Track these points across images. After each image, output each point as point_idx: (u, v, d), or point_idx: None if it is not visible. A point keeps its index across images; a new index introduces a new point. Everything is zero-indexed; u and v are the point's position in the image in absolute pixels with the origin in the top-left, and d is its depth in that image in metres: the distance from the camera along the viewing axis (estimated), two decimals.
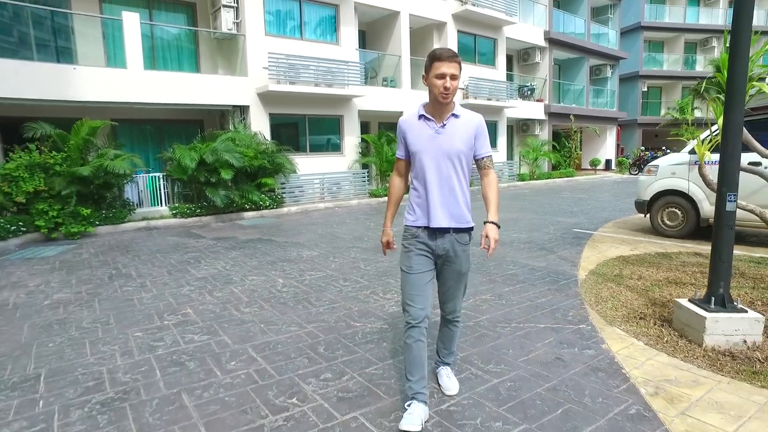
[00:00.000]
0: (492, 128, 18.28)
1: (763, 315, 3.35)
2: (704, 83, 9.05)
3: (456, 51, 2.20)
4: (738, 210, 3.48)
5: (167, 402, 2.68)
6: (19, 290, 5.14)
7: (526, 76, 20.91)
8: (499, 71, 18.00)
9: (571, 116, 20.36)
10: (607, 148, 25.15)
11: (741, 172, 3.43)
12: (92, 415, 2.56)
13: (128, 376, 3.03)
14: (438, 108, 2.33)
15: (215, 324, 3.93)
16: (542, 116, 20.15)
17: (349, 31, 13.33)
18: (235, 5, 11.40)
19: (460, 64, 2.29)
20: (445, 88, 2.23)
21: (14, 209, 8.08)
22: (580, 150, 23.08)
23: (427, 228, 2.38)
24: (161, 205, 10.50)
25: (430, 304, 2.44)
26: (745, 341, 3.24)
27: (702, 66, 29.75)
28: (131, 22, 9.82)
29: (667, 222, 7.15)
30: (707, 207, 6.50)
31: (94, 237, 8.57)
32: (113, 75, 9.79)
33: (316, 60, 11.97)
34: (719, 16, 30.24)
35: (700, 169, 4.20)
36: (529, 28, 19.37)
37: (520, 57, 20.84)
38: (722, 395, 2.61)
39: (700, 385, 2.73)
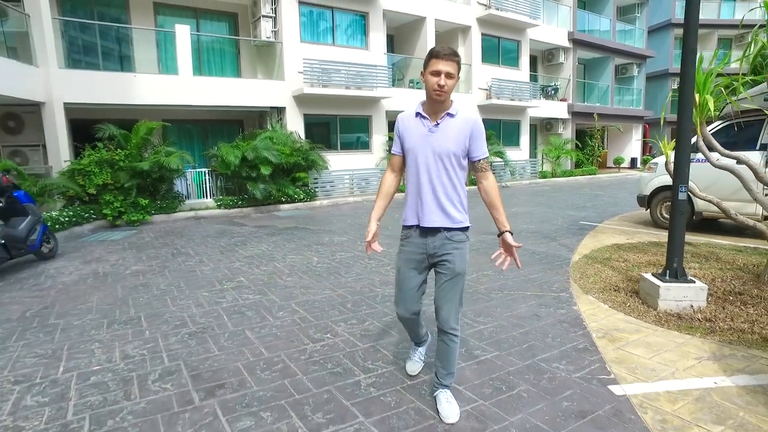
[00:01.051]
0: (515, 127, 18.89)
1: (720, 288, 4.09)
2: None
3: (455, 51, 2.25)
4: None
5: (235, 335, 3.65)
6: (103, 263, 6.27)
7: (551, 76, 21.37)
8: (522, 72, 18.58)
9: (595, 115, 20.69)
10: (632, 146, 25.28)
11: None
12: (184, 340, 3.56)
13: (203, 319, 4.02)
14: (433, 106, 2.31)
15: (264, 288, 4.91)
16: (566, 115, 20.58)
17: (378, 37, 14.24)
18: (274, 15, 12.47)
19: (458, 64, 2.25)
20: (439, 86, 2.20)
21: (86, 199, 9.33)
22: (604, 148, 23.35)
23: (418, 227, 2.39)
24: (207, 198, 11.68)
25: (418, 303, 2.54)
26: (692, 306, 3.98)
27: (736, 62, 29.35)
28: (183, 33, 11.00)
29: (665, 215, 7.78)
30: (700, 202, 7.10)
31: (151, 224, 9.77)
32: (167, 81, 11.00)
33: (347, 64, 12.93)
34: (756, 12, 29.72)
35: (666, 165, 4.92)
36: (553, 30, 19.83)
37: (545, 57, 21.30)
38: (653, 338, 3.40)
39: (639, 332, 3.52)
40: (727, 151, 4.86)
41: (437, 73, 2.20)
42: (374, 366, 3.05)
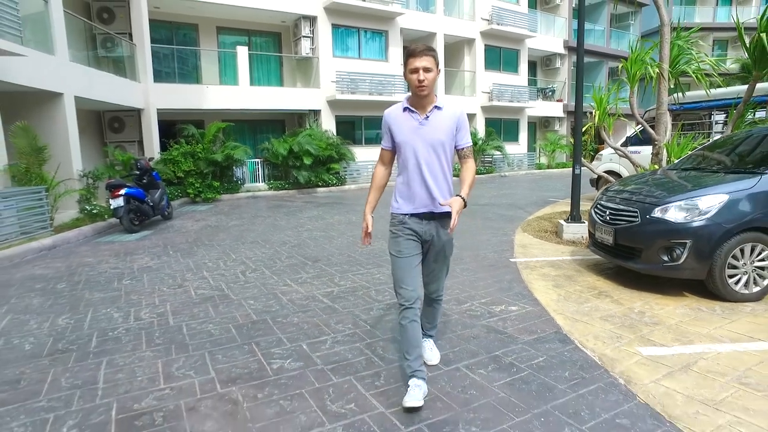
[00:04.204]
0: (514, 125, 21.58)
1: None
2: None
3: (429, 47, 2.42)
4: None
5: (317, 245, 6.56)
6: (209, 221, 9.28)
7: (549, 79, 23.94)
8: (521, 77, 21.24)
9: (588, 114, 23.18)
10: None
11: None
12: (290, 248, 6.50)
13: (296, 240, 6.96)
14: (419, 100, 2.43)
15: (326, 232, 7.82)
16: (561, 114, 23.15)
17: (396, 51, 17.07)
18: (311, 36, 15.40)
19: (434, 57, 2.37)
20: (419, 81, 2.32)
21: (175, 181, 12.39)
22: (599, 143, 25.78)
23: (413, 215, 2.50)
24: (259, 182, 14.71)
25: (420, 285, 2.59)
26: (582, 237, 6.77)
27: (731, 62, 31.36)
28: (242, 53, 14.02)
29: None
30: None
31: (221, 202, 12.79)
32: (230, 90, 14.05)
33: (370, 75, 15.81)
34: (751, 14, 31.68)
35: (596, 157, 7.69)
36: (549, 39, 22.40)
37: (543, 63, 23.88)
38: (546, 246, 6.24)
39: (541, 246, 6.36)
40: (617, 146, 7.64)
41: (415, 70, 2.33)
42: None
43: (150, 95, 12.61)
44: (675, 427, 2.25)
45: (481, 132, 19.40)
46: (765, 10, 6.01)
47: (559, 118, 23.23)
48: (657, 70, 6.93)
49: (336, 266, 5.47)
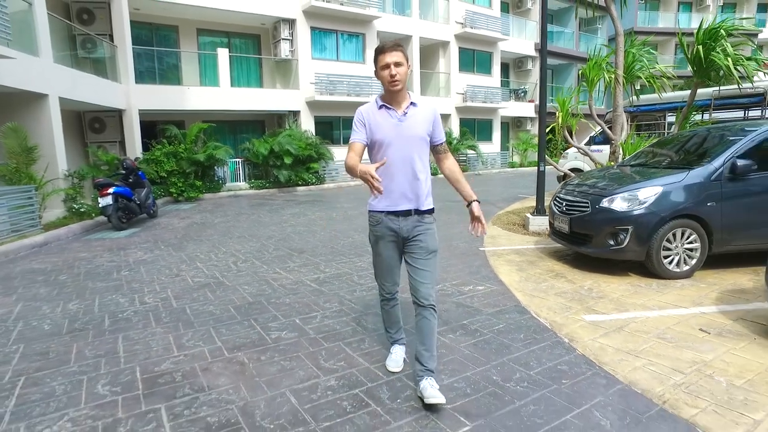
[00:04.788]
0: (488, 125, 22.32)
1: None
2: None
3: (399, 44, 2.44)
4: None
5: (302, 239, 7.01)
6: (194, 219, 9.61)
7: (521, 81, 24.79)
8: (494, 78, 21.98)
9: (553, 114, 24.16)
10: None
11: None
12: (276, 243, 6.93)
13: (282, 235, 7.38)
14: (394, 97, 2.45)
15: (308, 227, 8.26)
16: (533, 114, 24.00)
17: (373, 53, 17.51)
18: (291, 38, 15.75)
19: (403, 52, 2.39)
20: (392, 76, 2.35)
21: (158, 181, 12.61)
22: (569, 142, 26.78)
23: (390, 212, 2.49)
24: (240, 181, 15.00)
25: (399, 279, 2.67)
26: (546, 228, 7.37)
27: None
28: (223, 55, 14.29)
29: None
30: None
31: (203, 200, 13.06)
32: (211, 91, 14.30)
33: (348, 76, 16.26)
34: (708, 21, 33.24)
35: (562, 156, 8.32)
36: (521, 42, 23.22)
37: (515, 65, 24.71)
38: (514, 237, 6.83)
39: (509, 237, 6.94)
40: (579, 145, 8.30)
41: (386, 66, 2.35)
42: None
43: (132, 96, 12.80)
44: (602, 369, 2.81)
45: (456, 132, 20.06)
46: (700, 25, 6.73)
47: (531, 118, 24.07)
48: (612, 75, 7.58)
49: (320, 256, 5.93)
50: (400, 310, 2.81)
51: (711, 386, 2.58)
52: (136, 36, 13.68)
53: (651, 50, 8.35)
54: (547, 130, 8.77)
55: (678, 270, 4.59)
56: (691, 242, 4.59)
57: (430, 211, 2.55)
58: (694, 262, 4.62)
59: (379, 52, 2.40)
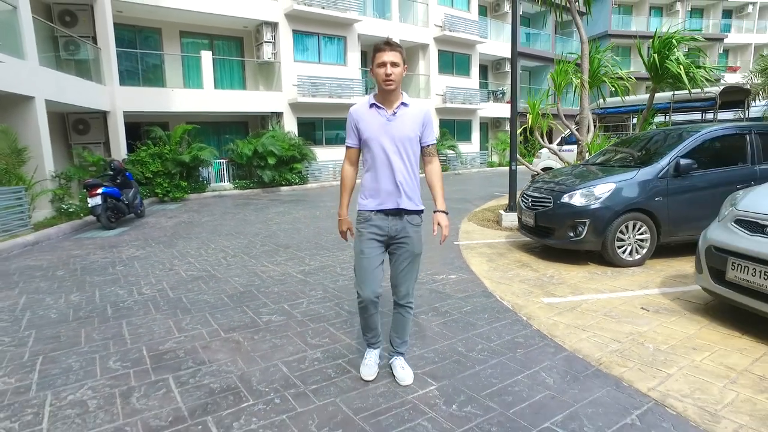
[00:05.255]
0: (467, 125, 22.89)
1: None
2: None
3: (396, 43, 2.45)
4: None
5: (288, 235, 7.36)
6: (182, 218, 9.87)
7: (499, 82, 25.44)
8: (473, 80, 22.55)
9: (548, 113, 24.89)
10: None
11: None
12: (263, 239, 7.27)
13: (268, 232, 7.72)
14: (386, 96, 2.46)
15: (293, 225, 8.62)
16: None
17: (354, 55, 17.93)
18: (273, 41, 16.03)
19: (401, 53, 2.41)
20: (387, 75, 2.36)
21: (144, 181, 12.79)
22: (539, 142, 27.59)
23: (379, 211, 2.51)
24: (224, 182, 15.23)
25: (380, 284, 2.60)
26: (515, 224, 7.87)
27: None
28: (207, 58, 14.51)
29: None
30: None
31: (188, 200, 13.27)
32: (195, 93, 14.51)
33: (330, 79, 16.61)
34: (678, 25, 34.48)
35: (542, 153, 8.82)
36: (499, 44, 23.84)
37: (494, 66, 25.35)
38: (488, 232, 7.30)
39: (482, 231, 7.41)
40: (548, 145, 8.82)
41: (383, 64, 2.36)
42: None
43: (116, 98, 12.94)
44: (553, 341, 3.26)
45: (436, 132, 20.54)
46: (655, 33, 7.29)
47: (510, 119, 24.70)
48: (578, 80, 8.10)
49: (305, 251, 6.30)
50: (378, 317, 2.74)
51: (640, 351, 3.05)
52: (120, 38, 13.79)
53: (615, 57, 8.90)
54: (523, 130, 9.28)
55: (631, 258, 5.10)
56: (641, 233, 5.10)
57: (419, 212, 2.59)
58: (644, 251, 5.13)
59: (378, 50, 2.40)
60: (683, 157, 5.05)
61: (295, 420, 2.38)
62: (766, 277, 3.00)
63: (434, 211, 2.62)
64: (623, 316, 3.68)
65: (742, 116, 10.27)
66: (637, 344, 3.16)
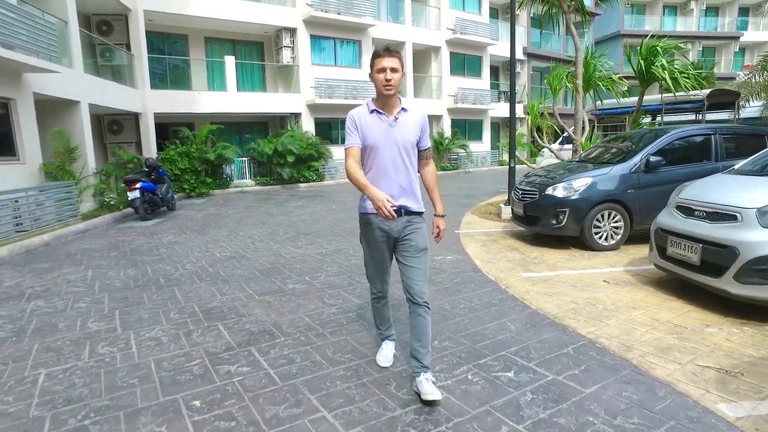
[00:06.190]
0: (478, 125, 23.56)
1: None
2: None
3: (395, 50, 2.49)
4: None
5: (308, 225, 8.22)
6: (209, 210, 10.81)
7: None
8: (484, 81, 23.21)
9: (546, 114, 25.40)
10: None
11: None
12: (287, 229, 8.14)
13: (290, 222, 8.59)
14: (386, 101, 2.51)
15: (311, 216, 9.47)
16: (522, 114, 25.18)
17: (368, 58, 18.58)
18: (292, 45, 16.95)
19: (400, 59, 2.47)
20: (387, 80, 2.41)
21: (172, 178, 13.80)
22: (538, 142, 28.09)
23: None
24: (245, 179, 16.21)
25: (390, 277, 2.79)
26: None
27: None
28: (230, 62, 15.50)
29: None
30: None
31: (214, 196, 14.25)
32: (219, 95, 15.51)
33: (345, 81, 17.47)
34: (693, 24, 34.57)
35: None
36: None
37: (505, 68, 25.92)
38: (487, 223, 8.06)
39: (482, 222, 8.17)
40: (546, 144, 9.53)
41: (383, 70, 2.43)
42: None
43: (147, 100, 13.99)
44: (522, 303, 4.03)
45: (447, 132, 21.28)
46: (642, 42, 7.94)
47: (520, 119, 25.27)
48: (572, 85, 8.80)
49: (323, 238, 7.14)
50: (390, 308, 2.94)
51: (590, 309, 3.81)
52: (150, 44, 14.85)
53: (609, 60, 9.56)
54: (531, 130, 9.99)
55: (606, 243, 5.82)
56: (616, 221, 5.82)
57: (420, 214, 2.62)
58: (618, 237, 5.85)
59: (378, 55, 2.45)
60: (653, 155, 5.76)
61: (315, 348, 3.21)
62: (691, 251, 3.73)
63: (434, 215, 2.72)
64: (586, 286, 4.43)
65: (734, 117, 10.80)
66: (590, 305, 3.91)
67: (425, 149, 2.68)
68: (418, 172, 2.71)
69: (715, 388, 2.56)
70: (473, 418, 2.35)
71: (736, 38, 34.81)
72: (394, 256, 2.71)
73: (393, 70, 2.43)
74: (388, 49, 2.46)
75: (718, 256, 3.51)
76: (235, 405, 2.52)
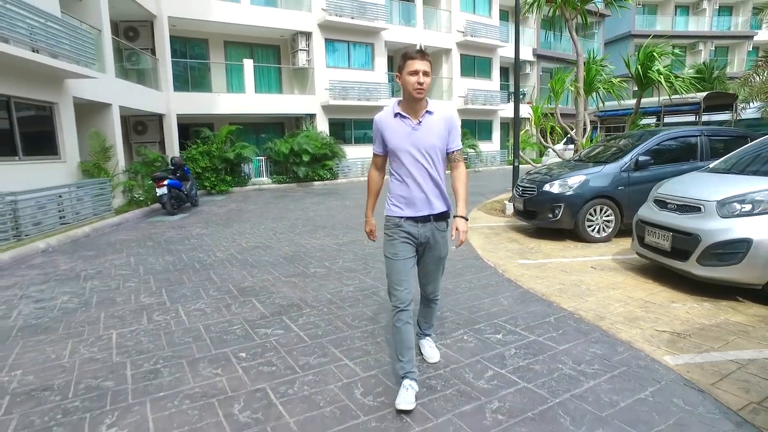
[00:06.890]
0: (488, 125, 24.02)
1: None
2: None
3: (427, 53, 2.45)
4: None
5: (326, 218, 8.83)
6: (230, 207, 11.49)
7: (520, 84, 26.40)
8: (493, 82, 23.67)
9: (551, 115, 25.79)
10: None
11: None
12: (305, 222, 8.77)
13: (307, 217, 9.21)
14: (413, 105, 2.47)
15: (327, 212, 10.09)
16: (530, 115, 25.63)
17: (381, 60, 19.35)
18: (307, 48, 17.62)
19: (430, 62, 2.44)
20: (419, 84, 2.36)
21: (194, 176, 14.52)
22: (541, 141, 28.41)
23: (409, 218, 2.54)
24: (262, 177, 16.90)
25: (413, 286, 2.56)
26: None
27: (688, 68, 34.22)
28: (249, 65, 16.21)
29: None
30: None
31: (233, 193, 14.95)
32: (238, 97, 16.23)
33: (359, 83, 18.09)
34: (705, 24, 34.58)
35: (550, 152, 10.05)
36: (521, 47, 24.81)
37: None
38: (492, 218, 8.60)
39: (488, 218, 8.71)
40: (550, 145, 10.03)
41: (415, 73, 2.37)
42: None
43: (171, 102, 14.74)
44: (516, 284, 4.59)
45: None
46: (640, 48, 8.41)
47: (529, 119, 25.69)
48: (573, 88, 9.29)
49: (339, 230, 7.75)
50: (413, 335, 2.58)
51: (575, 289, 4.36)
52: (172, 49, 15.60)
53: (610, 64, 10.03)
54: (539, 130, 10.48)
55: (599, 236, 6.34)
56: (608, 216, 6.34)
57: (447, 214, 2.62)
58: (610, 230, 6.37)
59: (410, 57, 2.40)
60: (642, 155, 6.26)
61: (337, 317, 3.82)
62: (664, 238, 4.26)
63: (454, 216, 2.59)
64: (575, 271, 4.97)
65: (734, 118, 11.18)
66: (575, 286, 4.46)
67: (453, 151, 2.61)
68: (450, 174, 2.69)
69: (666, 345, 3.11)
70: (466, 366, 2.93)
71: (749, 37, 34.75)
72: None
73: (425, 73, 2.40)
74: (421, 52, 2.42)
75: (684, 243, 4.04)
76: (273, 356, 3.14)
